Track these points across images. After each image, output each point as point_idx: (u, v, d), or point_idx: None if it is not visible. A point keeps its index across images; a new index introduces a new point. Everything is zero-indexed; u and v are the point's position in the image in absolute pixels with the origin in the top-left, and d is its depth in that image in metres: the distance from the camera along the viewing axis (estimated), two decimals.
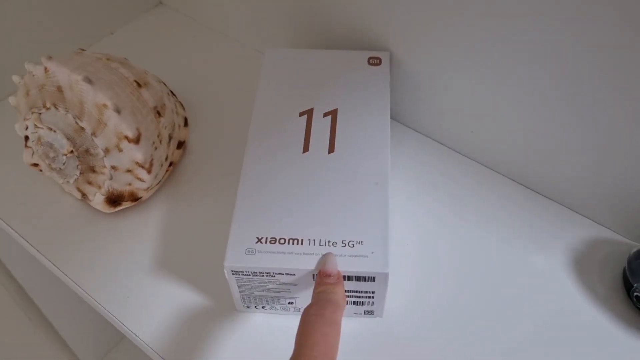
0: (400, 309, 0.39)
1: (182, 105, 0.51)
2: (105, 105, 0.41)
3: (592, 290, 0.40)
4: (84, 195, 0.45)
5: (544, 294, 0.40)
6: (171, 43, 0.60)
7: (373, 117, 0.42)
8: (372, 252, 0.35)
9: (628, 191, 0.40)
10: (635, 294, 0.38)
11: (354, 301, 0.37)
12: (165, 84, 0.48)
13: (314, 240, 0.35)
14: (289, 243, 0.35)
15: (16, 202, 0.47)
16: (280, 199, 0.37)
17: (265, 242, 0.35)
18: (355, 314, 0.38)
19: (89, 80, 0.40)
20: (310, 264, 0.34)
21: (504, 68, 0.41)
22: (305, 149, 0.40)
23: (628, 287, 0.38)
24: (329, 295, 0.32)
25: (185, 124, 0.50)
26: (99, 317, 0.77)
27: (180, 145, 0.49)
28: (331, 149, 0.40)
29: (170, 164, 0.47)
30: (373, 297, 0.37)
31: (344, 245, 0.35)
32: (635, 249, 0.39)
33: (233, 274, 0.35)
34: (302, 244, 0.35)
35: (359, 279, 0.35)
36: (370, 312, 0.38)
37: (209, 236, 0.44)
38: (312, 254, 0.35)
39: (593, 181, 0.41)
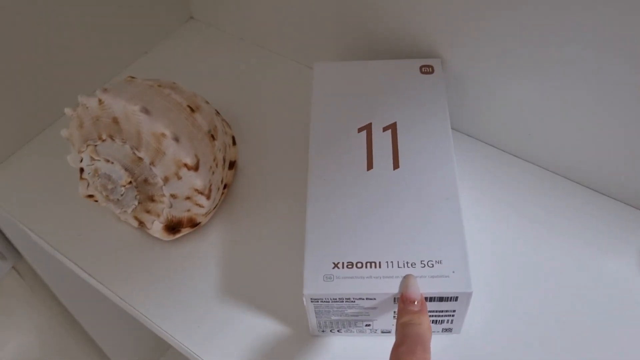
0: (479, 324, 0.38)
1: (227, 123, 0.51)
2: (163, 135, 0.40)
3: None
4: (141, 223, 0.45)
5: (624, 301, 0.39)
6: (207, 58, 0.59)
7: (434, 129, 0.41)
8: (453, 272, 0.34)
9: None
10: None
11: (433, 320, 0.36)
12: (209, 103, 0.48)
13: (392, 262, 0.35)
14: (366, 267, 0.35)
15: (72, 234, 0.46)
16: (351, 221, 0.37)
17: (343, 268, 0.35)
18: (433, 332, 0.38)
19: (145, 110, 0.40)
20: (391, 287, 0.34)
21: (562, 66, 0.40)
22: (370, 166, 0.39)
23: None
24: (416, 329, 0.31)
25: (234, 142, 0.50)
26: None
27: (232, 165, 0.48)
28: (396, 165, 0.39)
29: (225, 186, 0.46)
30: (453, 316, 0.36)
31: (423, 265, 0.34)
32: None
33: (312, 301, 0.35)
34: (380, 267, 0.35)
35: (441, 299, 0.34)
36: (448, 330, 0.38)
37: (273, 258, 0.43)
38: (392, 276, 0.34)
39: None
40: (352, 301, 0.35)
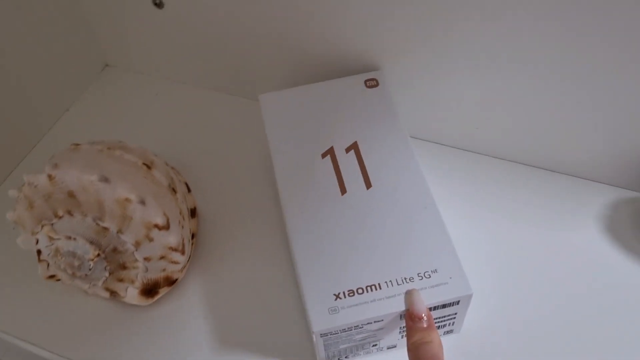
0: (476, 320, 0.40)
1: (177, 171, 0.49)
2: (128, 200, 0.38)
3: (631, 250, 0.43)
4: (113, 293, 0.42)
5: (590, 267, 0.42)
6: (132, 105, 0.57)
7: (394, 141, 0.42)
8: (450, 278, 0.35)
9: (637, 150, 0.43)
10: None
11: (436, 325, 0.37)
12: (157, 155, 0.46)
13: (391, 281, 0.35)
14: (367, 291, 0.35)
15: (38, 320, 0.43)
16: (341, 249, 0.37)
17: (345, 297, 0.35)
18: None
19: (104, 179, 0.38)
20: (396, 306, 0.34)
21: (499, 62, 0.42)
22: (343, 190, 0.40)
23: None
24: (429, 348, 0.32)
25: (188, 189, 0.48)
26: None
27: (193, 213, 0.47)
28: (368, 185, 0.40)
29: (193, 236, 0.45)
30: (455, 318, 0.37)
31: (420, 278, 0.35)
32: None
33: (321, 336, 0.35)
34: (380, 288, 0.35)
35: (444, 306, 0.35)
36: (450, 332, 0.39)
37: (258, 299, 0.43)
38: (394, 295, 0.35)
39: (606, 149, 0.44)
40: (360, 327, 0.35)
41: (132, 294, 0.42)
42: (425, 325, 0.33)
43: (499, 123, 0.46)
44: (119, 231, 0.39)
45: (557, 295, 0.41)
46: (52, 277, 0.42)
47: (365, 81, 0.46)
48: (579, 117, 0.43)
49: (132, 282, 0.41)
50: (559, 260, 0.43)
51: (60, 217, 0.39)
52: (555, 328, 0.39)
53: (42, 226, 0.39)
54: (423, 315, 0.33)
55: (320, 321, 0.34)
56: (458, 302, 0.35)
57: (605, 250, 0.43)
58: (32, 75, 0.52)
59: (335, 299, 0.35)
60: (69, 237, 0.39)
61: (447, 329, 0.38)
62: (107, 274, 0.41)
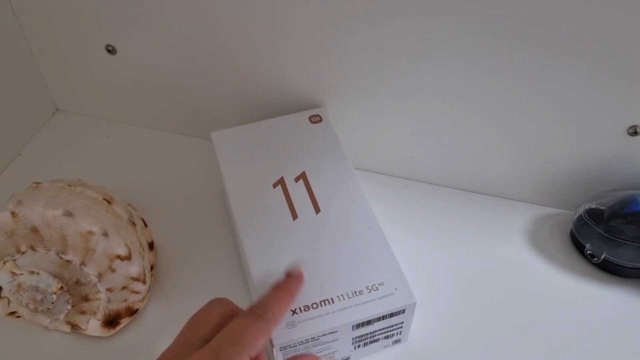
0: (419, 327, 0.44)
1: (133, 207, 0.51)
2: (91, 232, 0.40)
3: (552, 259, 0.48)
4: (74, 327, 0.44)
5: (521, 276, 0.47)
6: (85, 147, 0.59)
7: (339, 170, 0.46)
8: (396, 289, 0.39)
9: (552, 173, 0.49)
10: (588, 252, 0.46)
11: (385, 336, 0.41)
12: (115, 192, 0.48)
13: (342, 295, 0.39)
14: (321, 305, 0.38)
15: None
16: None
17: (301, 312, 0.38)
18: (385, 347, 0.42)
19: (68, 213, 0.40)
20: (348, 317, 0.38)
21: (426, 99, 0.47)
22: (294, 216, 0.43)
23: (580, 248, 0.47)
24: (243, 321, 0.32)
25: (145, 224, 0.50)
26: None
27: (151, 246, 0.49)
28: (317, 209, 0.44)
29: (152, 268, 0.47)
30: (402, 327, 0.41)
31: (369, 291, 0.39)
32: (576, 215, 0.47)
33: (281, 349, 0.37)
34: (333, 302, 0.38)
35: (391, 315, 0.39)
36: (398, 341, 0.42)
37: None
38: (346, 307, 0.38)
39: (522, 171, 0.50)
40: (316, 339, 0.38)
41: (93, 326, 0.43)
42: (260, 313, 0.33)
43: (430, 152, 0.51)
44: (82, 263, 0.41)
45: (490, 300, 0.45)
46: (12, 313, 0.43)
47: (310, 117, 0.50)
48: (496, 145, 0.48)
49: (94, 313, 0.43)
50: (490, 270, 0.47)
51: (23, 253, 0.40)
52: (490, 329, 0.44)
53: (4, 262, 0.41)
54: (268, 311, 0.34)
55: (279, 336, 0.37)
56: (404, 311, 0.39)
57: (530, 260, 0.48)
58: None
59: (292, 314, 0.38)
60: (32, 272, 0.40)
61: (395, 338, 0.42)
62: (69, 307, 0.42)
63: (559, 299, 0.45)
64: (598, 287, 0.46)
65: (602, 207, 0.46)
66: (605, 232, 0.45)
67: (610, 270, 0.46)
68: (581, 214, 0.47)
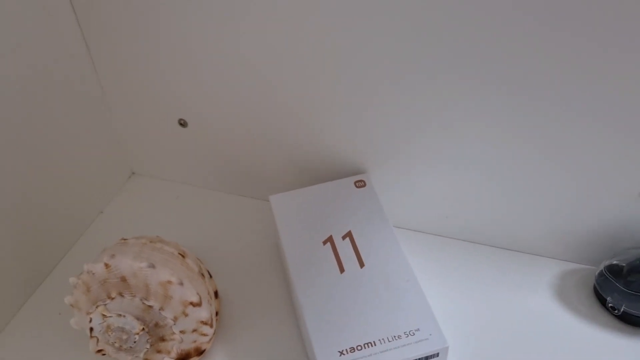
0: None
1: (200, 260, 0.59)
2: (169, 282, 0.48)
3: (577, 312, 0.52)
4: None
5: (547, 327, 0.52)
6: (157, 207, 0.67)
7: (380, 229, 0.53)
8: (430, 334, 0.45)
9: (576, 231, 0.54)
10: (609, 305, 0.51)
11: None
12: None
13: (383, 339, 0.45)
14: (365, 347, 0.44)
15: None
16: (342, 315, 0.46)
17: (347, 353, 0.44)
18: None
19: (152, 265, 0.47)
20: (389, 358, 0.43)
21: (460, 165, 0.54)
22: (342, 269, 0.50)
23: (602, 301, 0.51)
24: None
25: (210, 275, 0.58)
26: None
27: (216, 295, 0.56)
28: (361, 264, 0.50)
29: (217, 314, 0.54)
30: None
31: (407, 335, 0.45)
32: (598, 271, 0.52)
33: None
34: (375, 345, 0.44)
35: (427, 357, 0.44)
36: None
37: None
38: (387, 350, 0.44)
39: (549, 229, 0.55)
40: None
41: None
42: None
43: (464, 212, 0.57)
44: (161, 308, 0.48)
45: (518, 348, 0.50)
46: (99, 351, 0.51)
47: (355, 182, 0.57)
48: (525, 206, 0.54)
49: (169, 352, 0.50)
50: (519, 321, 0.52)
51: (113, 299, 0.48)
52: None
53: (97, 307, 0.48)
54: None
55: None
56: (437, 354, 0.44)
57: (556, 312, 0.52)
58: (71, 181, 0.62)
59: (340, 355, 0.44)
60: (120, 315, 0.48)
61: None
62: (148, 346, 0.49)
63: (583, 349, 0.50)
64: (619, 338, 0.50)
65: (622, 264, 0.51)
66: (624, 287, 0.49)
67: (631, 321, 0.50)
68: (602, 270, 0.52)
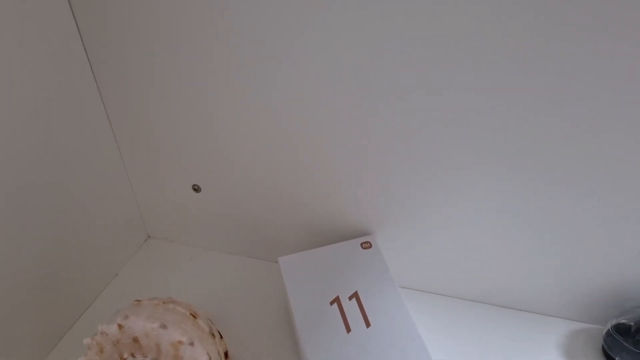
0: None
1: (212, 321, 0.60)
2: (180, 342, 0.49)
3: None
4: None
5: None
6: (171, 269, 0.69)
7: (386, 289, 0.54)
8: None
9: (582, 290, 0.54)
10: None
11: None
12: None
13: None
14: None
15: None
16: None
17: None
18: None
19: (164, 326, 0.49)
20: None
21: (466, 228, 0.55)
22: (348, 329, 0.50)
23: (610, 359, 0.51)
24: None
25: (221, 336, 0.58)
26: None
27: (226, 355, 0.57)
28: (367, 324, 0.51)
29: None
30: None
31: None
32: (605, 330, 0.52)
33: None
34: None
35: None
36: None
37: None
38: None
39: (556, 289, 0.55)
40: None
41: None
42: None
43: (469, 272, 0.58)
44: None
45: None
46: None
47: (361, 244, 0.59)
48: (530, 267, 0.55)
49: None
50: None
51: (125, 359, 0.49)
52: None
53: None
54: None
55: None
56: None
57: None
58: (88, 244, 0.65)
59: None
60: None
61: None
62: None
63: None
64: None
65: (629, 322, 0.51)
66: (632, 347, 0.49)
67: None
68: (609, 329, 0.52)
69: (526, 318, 0.58)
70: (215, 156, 0.62)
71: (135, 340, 0.49)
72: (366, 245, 0.58)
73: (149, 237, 0.75)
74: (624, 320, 0.51)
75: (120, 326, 0.50)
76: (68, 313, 0.62)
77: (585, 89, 0.43)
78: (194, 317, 0.53)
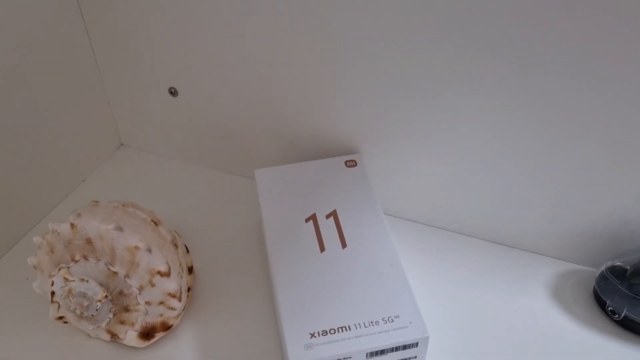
0: None
1: (178, 233, 0.56)
2: (137, 247, 0.45)
3: (573, 313, 0.49)
4: (113, 336, 0.47)
5: (540, 328, 0.48)
6: (143, 179, 0.64)
7: (368, 210, 0.49)
8: (410, 322, 0.41)
9: (577, 229, 0.50)
10: (609, 308, 0.47)
11: None
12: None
13: (359, 323, 0.41)
14: (339, 332, 0.41)
15: None
16: (318, 297, 0.43)
17: (319, 336, 0.41)
18: None
19: (119, 228, 0.44)
20: (363, 344, 0.40)
21: (458, 152, 0.50)
22: (322, 249, 0.46)
23: (602, 304, 0.48)
24: None
25: (187, 250, 0.54)
26: None
27: (190, 270, 0.53)
28: (344, 245, 0.47)
29: (189, 289, 0.51)
30: None
31: (385, 322, 0.41)
32: (598, 273, 0.48)
33: None
34: (350, 329, 0.41)
35: (404, 347, 0.41)
36: None
37: (244, 346, 0.48)
38: (362, 335, 0.40)
39: (548, 226, 0.51)
40: None
41: (131, 336, 0.47)
42: None
43: (459, 203, 0.54)
44: (127, 275, 0.45)
45: (506, 348, 0.46)
46: (60, 318, 0.48)
47: (346, 162, 0.54)
48: (523, 200, 0.51)
49: (132, 324, 0.47)
50: (509, 318, 0.48)
51: (77, 261, 0.45)
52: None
53: (60, 269, 0.45)
54: None
55: (295, 356, 0.40)
56: (417, 344, 0.41)
57: (551, 312, 0.49)
58: (57, 147, 0.60)
59: (311, 337, 0.40)
60: (82, 279, 0.45)
61: None
62: (110, 316, 0.46)
63: (578, 354, 0.46)
64: (618, 344, 0.46)
65: (626, 265, 0.47)
66: (626, 290, 0.46)
67: (631, 328, 0.46)
68: (603, 271, 0.48)
69: (515, 254, 0.54)
70: (194, 56, 0.56)
71: (89, 241, 0.45)
72: (351, 164, 0.54)
73: (122, 144, 0.70)
74: (619, 263, 0.47)
75: (72, 225, 0.45)
76: (28, 215, 0.58)
77: (591, 14, 0.37)
78: (155, 224, 0.48)
